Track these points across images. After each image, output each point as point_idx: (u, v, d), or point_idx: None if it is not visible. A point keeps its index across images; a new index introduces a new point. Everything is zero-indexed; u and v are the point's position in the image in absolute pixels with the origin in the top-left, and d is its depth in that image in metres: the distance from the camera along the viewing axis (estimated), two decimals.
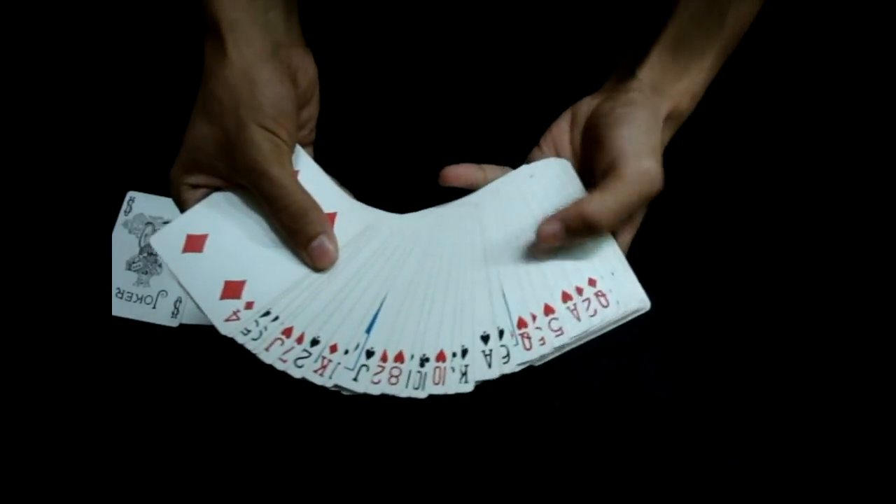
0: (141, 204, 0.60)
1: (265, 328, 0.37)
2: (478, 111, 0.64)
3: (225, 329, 0.37)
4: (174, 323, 0.55)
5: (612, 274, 0.41)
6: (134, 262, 0.58)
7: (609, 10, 0.61)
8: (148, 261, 0.58)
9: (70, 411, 0.45)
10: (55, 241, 0.36)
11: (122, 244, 0.58)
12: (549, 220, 0.40)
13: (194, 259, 0.38)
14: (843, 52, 0.59)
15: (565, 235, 0.40)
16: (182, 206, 0.41)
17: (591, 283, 0.40)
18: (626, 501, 0.50)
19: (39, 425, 0.34)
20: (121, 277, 0.57)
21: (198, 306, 0.37)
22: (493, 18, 0.66)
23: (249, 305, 0.37)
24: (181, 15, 0.68)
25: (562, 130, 0.47)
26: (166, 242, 0.38)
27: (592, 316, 0.39)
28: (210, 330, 0.55)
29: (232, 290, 0.38)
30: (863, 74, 0.59)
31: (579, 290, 0.40)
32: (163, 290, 0.56)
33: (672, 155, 0.50)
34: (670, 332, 0.56)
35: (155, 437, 0.52)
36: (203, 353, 0.55)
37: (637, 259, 0.59)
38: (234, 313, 0.37)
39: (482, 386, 0.54)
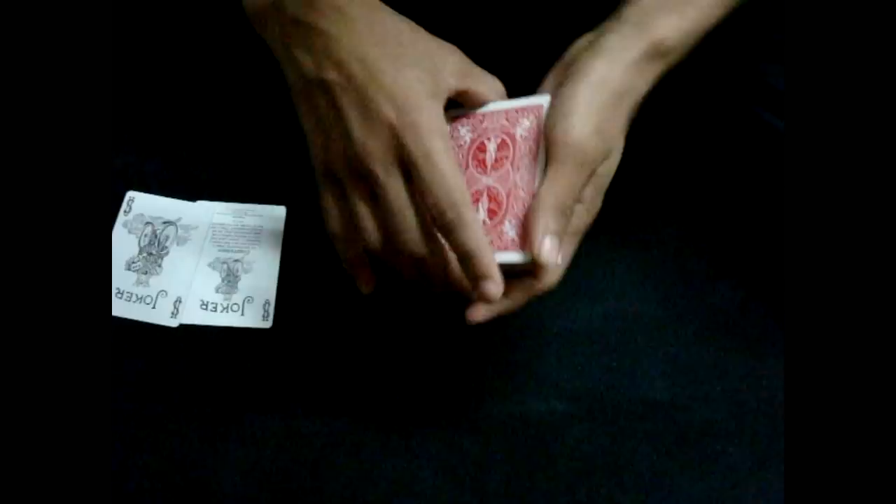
0: (141, 204, 0.60)
1: None
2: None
3: None
4: (174, 323, 0.55)
5: None
6: (134, 262, 0.58)
7: None
8: (148, 261, 0.58)
9: (69, 411, 0.45)
10: (54, 240, 0.36)
11: (122, 244, 0.58)
12: (535, 241, 0.41)
13: None
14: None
15: (553, 229, 0.41)
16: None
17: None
18: (625, 502, 0.50)
19: (38, 425, 0.34)
20: (120, 277, 0.57)
21: None
22: None
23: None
24: (182, 15, 0.68)
25: (548, 84, 0.46)
26: None
27: None
28: (210, 330, 0.55)
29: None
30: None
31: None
32: (162, 291, 0.56)
33: (675, 156, 0.50)
34: (671, 333, 0.56)
35: (154, 437, 0.51)
36: (203, 353, 0.55)
37: (639, 259, 0.59)
38: None
39: (480, 386, 0.54)
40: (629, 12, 0.44)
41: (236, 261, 0.58)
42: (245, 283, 0.57)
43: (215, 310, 0.56)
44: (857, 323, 0.35)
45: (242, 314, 0.56)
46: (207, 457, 0.51)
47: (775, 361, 0.55)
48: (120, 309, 0.56)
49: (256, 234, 0.59)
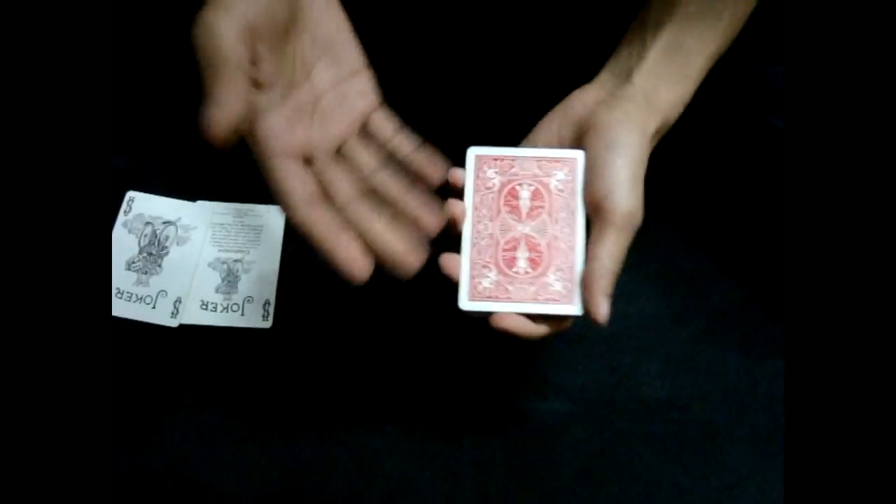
0: (141, 204, 0.60)
1: None
2: (477, 95, 0.64)
3: None
4: (174, 323, 0.55)
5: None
6: (134, 262, 0.58)
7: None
8: (147, 261, 0.58)
9: (69, 411, 0.45)
10: (54, 240, 0.36)
11: (122, 244, 0.58)
12: (598, 302, 0.42)
13: None
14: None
15: (610, 291, 0.43)
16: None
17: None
18: (625, 502, 0.50)
19: (38, 425, 0.34)
20: (120, 277, 0.57)
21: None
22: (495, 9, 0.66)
23: None
24: (182, 15, 0.68)
25: (551, 130, 0.47)
26: None
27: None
28: (210, 330, 0.55)
29: None
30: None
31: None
32: (162, 291, 0.56)
33: (675, 156, 0.50)
34: (671, 333, 0.56)
35: (154, 437, 0.52)
36: (203, 353, 0.55)
37: (639, 259, 0.59)
38: None
39: (480, 385, 0.54)
40: (638, 75, 0.46)
41: (236, 261, 0.58)
42: (245, 283, 0.57)
43: (215, 310, 0.56)
44: (856, 322, 0.35)
45: (242, 314, 0.56)
46: (207, 457, 0.51)
47: (775, 361, 0.55)
48: (120, 309, 0.56)
49: (256, 234, 0.59)
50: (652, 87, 0.46)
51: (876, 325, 0.35)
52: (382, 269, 0.41)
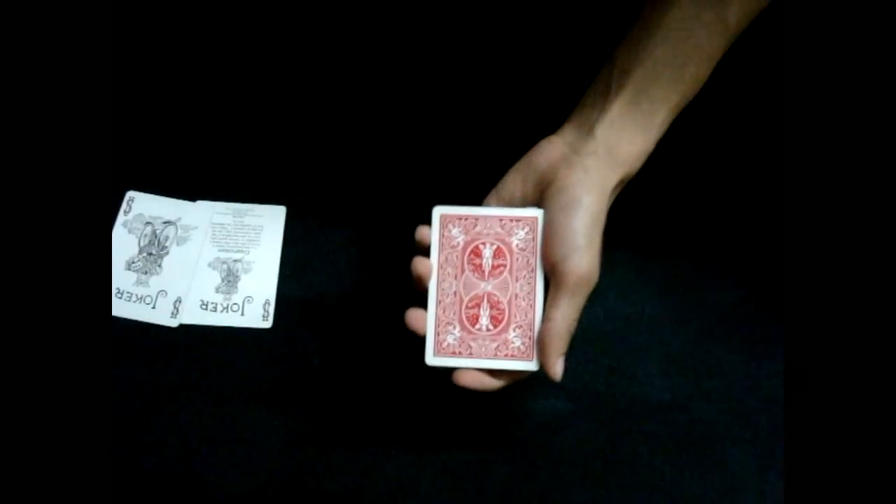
0: (141, 204, 0.60)
1: None
2: (458, 124, 0.64)
3: None
4: (174, 323, 0.55)
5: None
6: (133, 262, 0.58)
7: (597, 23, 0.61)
8: (147, 260, 0.58)
9: (69, 411, 0.45)
10: (54, 240, 0.36)
11: (122, 244, 0.58)
12: (553, 362, 0.44)
13: None
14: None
15: (564, 350, 0.45)
16: None
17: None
18: (625, 502, 0.50)
19: (38, 425, 0.34)
20: (120, 277, 0.57)
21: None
22: (478, 39, 0.66)
23: None
24: (182, 15, 0.68)
25: (515, 184, 0.48)
26: None
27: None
28: (210, 330, 0.55)
29: None
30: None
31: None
32: (162, 291, 0.56)
33: (674, 156, 0.50)
34: (671, 333, 0.56)
35: (154, 437, 0.52)
36: (203, 353, 0.55)
37: (639, 259, 0.59)
38: None
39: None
40: (600, 128, 0.46)
41: (236, 261, 0.58)
42: (245, 283, 0.57)
43: (215, 310, 0.56)
44: (857, 323, 0.35)
45: (242, 314, 0.56)
46: (207, 457, 0.51)
47: (775, 361, 0.55)
48: (120, 309, 0.56)
49: (256, 234, 0.59)
50: (615, 140, 0.46)
51: (876, 324, 0.35)
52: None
